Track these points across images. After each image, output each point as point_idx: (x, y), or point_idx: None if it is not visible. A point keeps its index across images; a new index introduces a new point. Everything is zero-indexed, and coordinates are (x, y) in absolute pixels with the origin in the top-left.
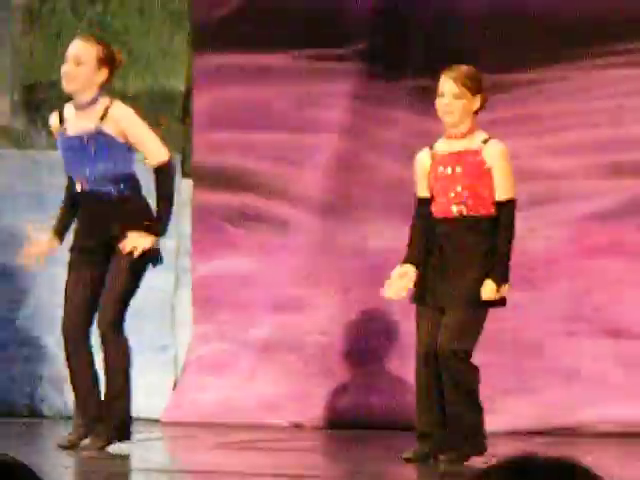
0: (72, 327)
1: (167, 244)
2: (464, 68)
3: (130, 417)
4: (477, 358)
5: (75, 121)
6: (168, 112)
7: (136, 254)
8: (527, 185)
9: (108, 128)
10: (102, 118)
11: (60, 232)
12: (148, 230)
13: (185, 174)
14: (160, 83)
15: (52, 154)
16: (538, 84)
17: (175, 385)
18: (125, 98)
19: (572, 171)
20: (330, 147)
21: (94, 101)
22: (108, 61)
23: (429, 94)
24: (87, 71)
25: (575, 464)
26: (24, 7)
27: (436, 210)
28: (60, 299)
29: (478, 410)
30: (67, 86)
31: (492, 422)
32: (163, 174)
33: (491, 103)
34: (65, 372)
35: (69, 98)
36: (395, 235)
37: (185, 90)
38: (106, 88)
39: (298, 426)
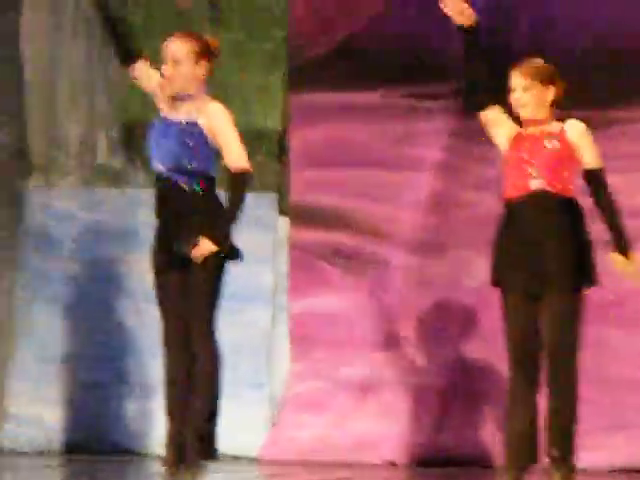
0: (176, 336)
1: (264, 281)
2: (534, 61)
3: (216, 428)
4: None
5: (172, 107)
6: (264, 150)
7: (198, 260)
8: (636, 222)
9: (201, 122)
10: (199, 111)
11: None
12: (211, 237)
13: (282, 212)
14: (256, 121)
15: (149, 192)
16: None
17: (272, 422)
18: None
19: None
20: (426, 185)
21: (195, 96)
22: (205, 53)
23: None
24: (186, 69)
25: None
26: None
27: None
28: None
29: None
30: (170, 88)
31: (591, 459)
32: (238, 181)
33: (606, 135)
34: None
35: None
36: None
37: (281, 128)
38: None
39: (393, 464)
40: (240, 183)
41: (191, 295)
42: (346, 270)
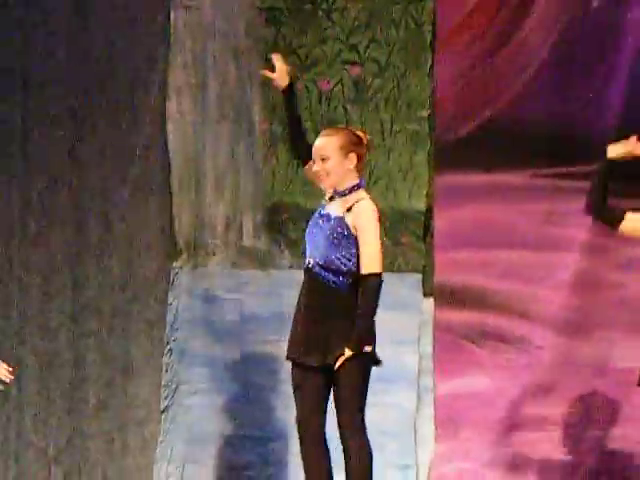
0: (309, 428)
1: (409, 362)
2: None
3: None
4: None
5: (329, 202)
6: (409, 231)
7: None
8: None
9: (349, 220)
10: (349, 209)
11: None
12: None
13: (426, 293)
14: (401, 202)
15: (294, 274)
16: None
17: None
18: None
19: None
20: (572, 265)
21: (350, 190)
22: (352, 146)
23: None
24: (334, 164)
25: None
26: (265, 132)
27: None
28: None
29: None
30: (322, 184)
31: None
32: (368, 285)
33: None
34: None
35: (310, 216)
36: (638, 356)
37: (426, 209)
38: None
39: None
40: (369, 287)
41: (340, 391)
42: (492, 351)
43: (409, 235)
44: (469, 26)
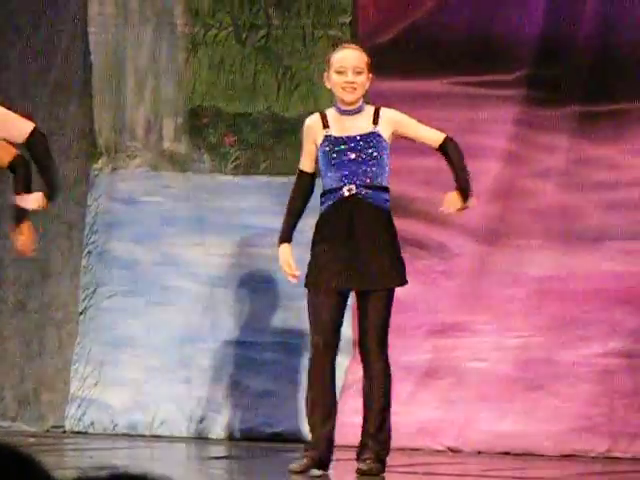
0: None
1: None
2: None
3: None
4: (634, 384)
5: (343, 124)
6: None
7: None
8: None
9: (382, 131)
10: (375, 121)
11: (291, 236)
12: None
13: None
14: (322, 107)
15: (214, 177)
16: None
17: None
18: (287, 122)
19: None
20: (490, 174)
21: (362, 108)
22: (371, 66)
23: (594, 120)
24: (364, 79)
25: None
26: (188, 36)
27: None
28: None
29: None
30: (350, 96)
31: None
32: (455, 143)
33: None
34: None
35: (231, 121)
36: (553, 263)
37: None
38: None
39: (455, 451)
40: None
41: (372, 315)
42: (411, 257)
43: None
44: None
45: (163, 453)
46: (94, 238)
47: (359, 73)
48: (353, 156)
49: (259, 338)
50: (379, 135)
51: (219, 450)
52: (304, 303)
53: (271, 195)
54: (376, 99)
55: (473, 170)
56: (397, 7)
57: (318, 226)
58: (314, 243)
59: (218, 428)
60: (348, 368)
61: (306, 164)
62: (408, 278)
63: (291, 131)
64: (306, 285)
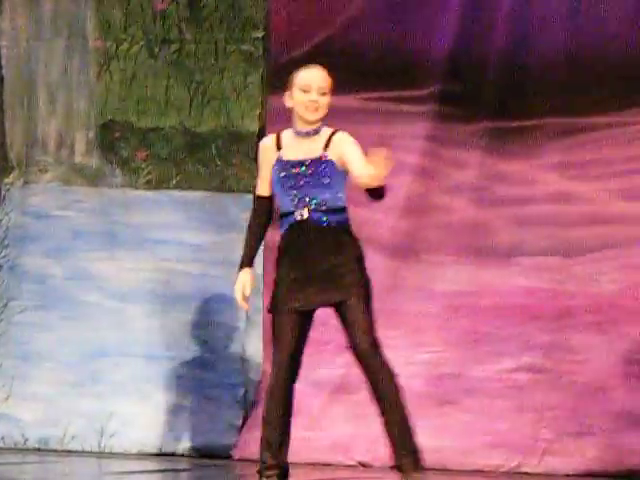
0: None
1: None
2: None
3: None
4: (543, 398)
5: (296, 147)
6: (241, 152)
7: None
8: (598, 229)
9: (332, 155)
10: (326, 145)
11: (253, 261)
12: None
13: None
14: (234, 123)
15: (126, 192)
16: (612, 128)
17: (244, 423)
18: (199, 136)
19: None
20: (402, 189)
21: (319, 130)
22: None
23: (504, 135)
24: (327, 101)
25: None
26: (100, 50)
27: None
28: None
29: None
30: (312, 115)
31: (557, 465)
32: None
33: (563, 146)
34: None
35: (143, 136)
36: (464, 278)
37: (258, 130)
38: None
39: (366, 465)
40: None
41: (354, 315)
42: None
43: (241, 156)
44: None
45: (74, 468)
46: (5, 252)
47: (323, 94)
48: (302, 182)
49: (171, 353)
50: (328, 160)
51: (130, 465)
52: (217, 318)
53: (183, 210)
54: (289, 115)
55: (387, 185)
56: (310, 23)
57: (279, 249)
58: (276, 266)
59: (129, 443)
60: (258, 384)
61: (262, 188)
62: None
63: (203, 146)
64: (268, 309)
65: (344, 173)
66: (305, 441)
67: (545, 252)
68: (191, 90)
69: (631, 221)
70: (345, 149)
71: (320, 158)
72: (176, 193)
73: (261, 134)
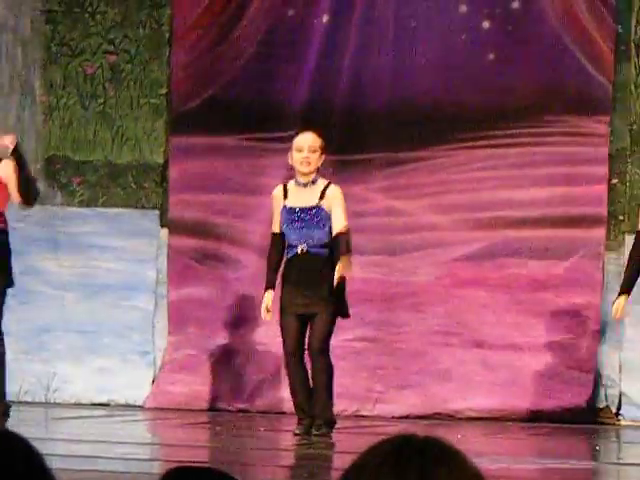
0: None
1: (149, 276)
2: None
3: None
4: (375, 360)
5: (298, 195)
6: (151, 179)
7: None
8: (415, 235)
9: (324, 204)
10: (321, 197)
11: (274, 284)
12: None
13: (163, 225)
14: (145, 156)
15: (65, 209)
16: (426, 160)
17: (154, 381)
18: (119, 167)
19: (447, 225)
20: (268, 207)
21: (316, 180)
22: (323, 149)
23: (344, 166)
24: (317, 157)
25: (444, 441)
26: (44, 103)
27: None
28: None
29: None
30: (306, 168)
31: (387, 410)
32: (348, 234)
33: (389, 174)
34: None
35: (77, 166)
36: None
37: (164, 162)
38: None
39: (243, 411)
40: (348, 235)
41: (318, 325)
42: (211, 268)
43: (150, 181)
44: (198, 26)
45: (27, 415)
46: None
47: (314, 151)
48: (302, 225)
49: (99, 328)
50: (322, 209)
51: (69, 412)
52: (133, 302)
53: (107, 222)
54: (186, 150)
55: (256, 204)
56: (201, 82)
57: (284, 269)
58: (282, 282)
59: (68, 396)
60: (165, 351)
61: (275, 227)
62: (209, 284)
63: (122, 174)
64: (279, 313)
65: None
66: (200, 393)
67: (376, 252)
68: (113, 132)
69: (439, 229)
70: (334, 206)
71: (317, 206)
72: (102, 209)
73: (165, 165)
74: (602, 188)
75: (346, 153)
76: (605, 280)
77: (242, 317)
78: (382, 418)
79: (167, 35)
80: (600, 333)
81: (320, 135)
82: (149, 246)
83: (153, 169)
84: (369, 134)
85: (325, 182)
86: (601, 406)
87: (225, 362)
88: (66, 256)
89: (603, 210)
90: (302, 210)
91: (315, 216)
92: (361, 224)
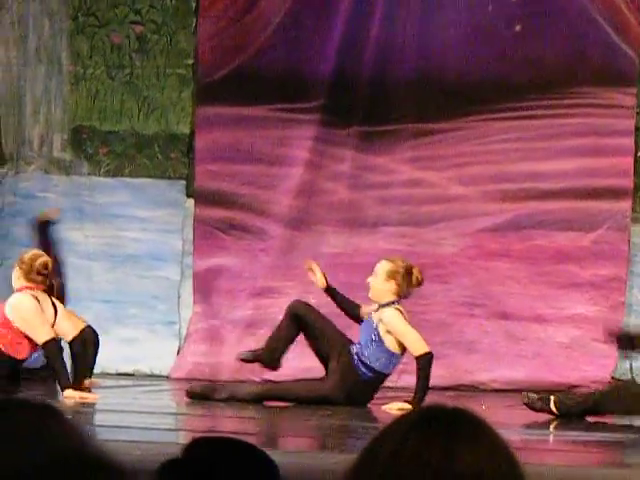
0: None
1: (175, 246)
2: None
3: None
4: None
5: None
6: (177, 149)
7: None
8: (441, 206)
9: (380, 327)
10: (380, 320)
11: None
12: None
13: (189, 195)
14: (171, 127)
15: (91, 179)
16: (449, 132)
17: (179, 351)
18: (145, 137)
19: (472, 196)
20: (296, 177)
21: (386, 305)
22: (396, 274)
23: (371, 137)
24: (376, 282)
25: (470, 412)
26: (71, 73)
27: None
28: None
29: None
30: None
31: (411, 381)
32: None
33: (415, 145)
34: None
35: (104, 137)
36: (342, 243)
37: (189, 132)
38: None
39: (268, 381)
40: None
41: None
42: (238, 239)
43: (177, 152)
44: None
45: (53, 385)
46: (1, 224)
47: (373, 275)
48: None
49: (125, 298)
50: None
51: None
52: (158, 272)
53: (133, 192)
54: (212, 121)
55: (283, 174)
56: (228, 52)
57: None
58: None
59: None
60: (190, 321)
61: None
62: (235, 255)
63: (148, 144)
64: None
65: None
66: (225, 364)
67: (401, 223)
68: (139, 103)
69: (464, 200)
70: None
71: (373, 324)
72: (128, 179)
73: (192, 135)
74: (628, 160)
75: (372, 124)
76: (631, 252)
77: (267, 288)
78: (407, 389)
79: (194, 5)
80: (625, 305)
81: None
82: (175, 216)
83: (179, 139)
84: (395, 105)
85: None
86: (626, 379)
87: (250, 333)
88: (92, 226)
89: (629, 182)
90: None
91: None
92: (387, 195)
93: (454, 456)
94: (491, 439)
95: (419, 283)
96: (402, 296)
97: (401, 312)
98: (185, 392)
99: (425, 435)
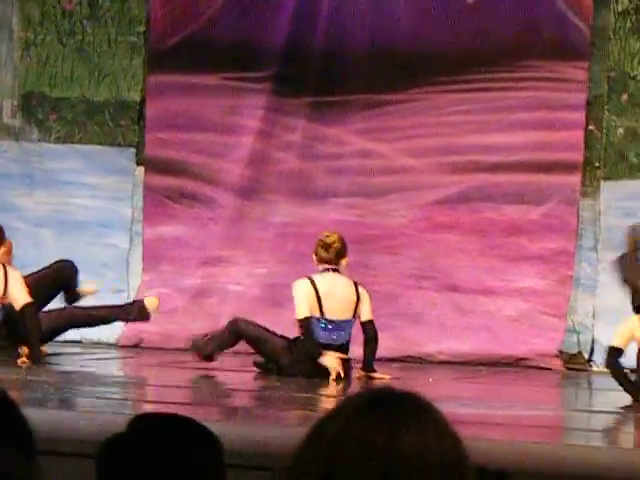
0: None
1: (124, 214)
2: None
3: None
4: None
5: None
6: (128, 116)
7: None
8: (391, 177)
9: None
10: None
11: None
12: None
13: (139, 163)
14: (122, 94)
15: (41, 146)
16: (404, 103)
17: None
18: (96, 104)
19: (423, 168)
20: (247, 146)
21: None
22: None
23: (322, 108)
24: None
25: (417, 395)
26: (22, 39)
27: None
28: None
29: None
30: None
31: (359, 352)
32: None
33: (366, 116)
34: None
35: (54, 103)
36: (292, 213)
37: (140, 100)
38: None
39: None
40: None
41: None
42: (187, 207)
43: (127, 119)
44: None
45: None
46: None
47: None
48: None
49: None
50: None
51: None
52: (107, 240)
53: (83, 159)
54: (163, 89)
55: (235, 142)
56: (180, 20)
57: None
58: None
59: None
60: (139, 289)
61: None
62: (185, 223)
63: (99, 111)
64: None
65: None
66: (173, 331)
67: (351, 194)
68: (90, 70)
69: (415, 172)
70: None
71: None
72: (78, 146)
73: (142, 103)
74: (579, 134)
75: (324, 94)
76: (580, 226)
77: (216, 257)
78: (354, 360)
79: None
80: (573, 279)
81: None
82: (125, 184)
83: (130, 107)
84: (346, 76)
85: None
86: (573, 352)
87: (199, 302)
88: (42, 193)
89: (579, 156)
90: None
91: None
92: (337, 166)
93: (399, 437)
94: (437, 421)
95: (324, 245)
96: (322, 262)
97: (310, 279)
98: (253, 363)
99: (371, 417)
